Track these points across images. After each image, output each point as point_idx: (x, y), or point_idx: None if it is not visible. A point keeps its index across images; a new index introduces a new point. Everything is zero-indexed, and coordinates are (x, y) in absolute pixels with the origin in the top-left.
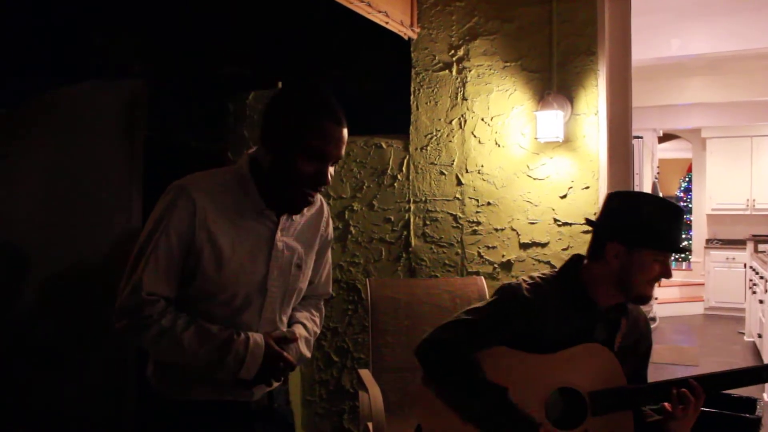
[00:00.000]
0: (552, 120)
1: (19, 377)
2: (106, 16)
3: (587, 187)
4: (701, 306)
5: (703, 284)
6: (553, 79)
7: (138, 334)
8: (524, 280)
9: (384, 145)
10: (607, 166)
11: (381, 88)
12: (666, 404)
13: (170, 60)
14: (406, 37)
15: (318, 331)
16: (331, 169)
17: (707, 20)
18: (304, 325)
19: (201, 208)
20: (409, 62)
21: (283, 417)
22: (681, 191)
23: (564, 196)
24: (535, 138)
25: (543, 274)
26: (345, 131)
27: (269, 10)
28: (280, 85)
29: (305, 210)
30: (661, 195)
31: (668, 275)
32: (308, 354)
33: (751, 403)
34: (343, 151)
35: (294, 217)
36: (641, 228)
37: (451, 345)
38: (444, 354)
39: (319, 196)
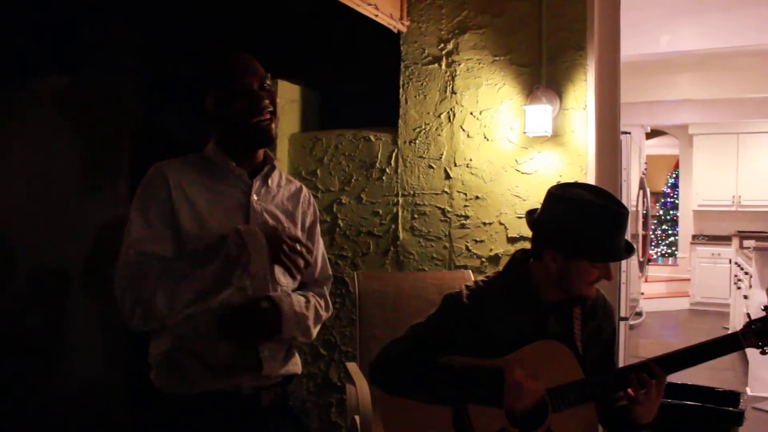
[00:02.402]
0: (541, 114)
1: (10, 371)
2: (97, 10)
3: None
4: (687, 301)
5: (689, 280)
6: (542, 74)
7: (139, 287)
8: (466, 287)
9: (372, 139)
10: (595, 161)
11: (370, 81)
12: (629, 390)
13: (160, 52)
14: (395, 31)
15: (324, 313)
16: (267, 101)
17: (695, 17)
18: (303, 295)
19: (173, 175)
20: (399, 55)
21: (299, 420)
22: (668, 187)
23: None
24: (524, 132)
25: (487, 276)
26: (249, 58)
27: (259, 4)
28: (269, 76)
29: (280, 183)
30: (648, 191)
31: (608, 278)
32: (308, 318)
33: (734, 397)
34: (263, 75)
35: (269, 183)
36: (576, 239)
37: (398, 361)
38: (393, 371)
39: (297, 182)
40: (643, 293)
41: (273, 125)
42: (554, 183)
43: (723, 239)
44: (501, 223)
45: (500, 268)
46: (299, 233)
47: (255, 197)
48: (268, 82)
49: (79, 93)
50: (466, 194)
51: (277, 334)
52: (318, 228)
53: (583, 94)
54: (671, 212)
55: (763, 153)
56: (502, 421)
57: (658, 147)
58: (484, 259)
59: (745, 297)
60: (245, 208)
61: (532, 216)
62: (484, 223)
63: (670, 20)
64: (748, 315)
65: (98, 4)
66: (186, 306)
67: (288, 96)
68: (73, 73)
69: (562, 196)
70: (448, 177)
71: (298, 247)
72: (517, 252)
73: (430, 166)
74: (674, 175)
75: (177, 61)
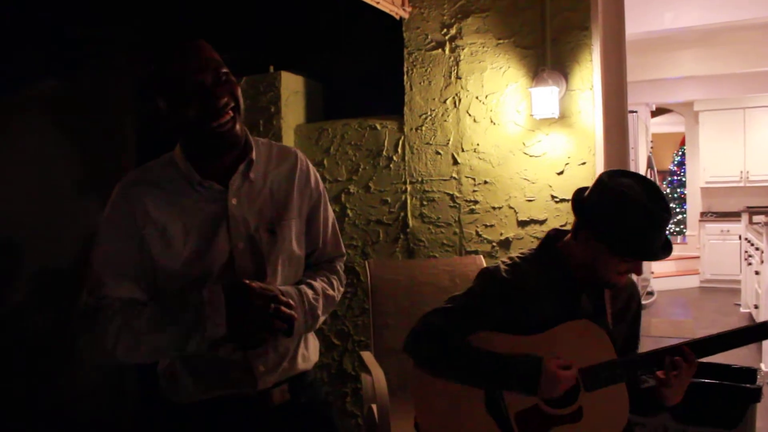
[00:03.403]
0: (547, 96)
1: (20, 375)
2: (92, 6)
3: (584, 163)
4: (697, 279)
5: (698, 257)
6: (547, 55)
7: (101, 334)
8: (503, 262)
9: (378, 127)
10: (604, 142)
11: (374, 69)
12: (659, 372)
13: (159, 48)
14: (397, 17)
15: (335, 294)
16: (226, 98)
17: None
18: (308, 283)
19: (139, 201)
20: (402, 42)
21: (314, 412)
22: (674, 165)
23: (561, 173)
24: (531, 115)
25: (522, 253)
26: (198, 47)
27: None
28: (272, 69)
29: (267, 168)
30: (655, 170)
31: (638, 273)
32: (318, 308)
33: (751, 373)
34: (217, 65)
35: (251, 177)
36: (614, 233)
37: (436, 332)
38: (430, 341)
39: (297, 152)
40: (653, 272)
41: (237, 126)
42: (563, 165)
43: (732, 215)
44: (510, 207)
45: (511, 252)
46: (295, 222)
47: (234, 201)
48: (225, 70)
49: (77, 91)
50: (474, 179)
51: (286, 336)
52: (323, 205)
53: (589, 74)
54: (678, 190)
55: None
56: (535, 399)
57: (664, 125)
58: (494, 244)
59: (757, 273)
60: (225, 218)
61: (579, 195)
62: (494, 208)
63: None
64: None
65: (93, 1)
66: (146, 359)
67: (292, 87)
68: (72, 72)
69: (608, 184)
70: (455, 162)
71: (272, 306)
72: (550, 231)
73: (438, 153)
74: (680, 153)
75: None
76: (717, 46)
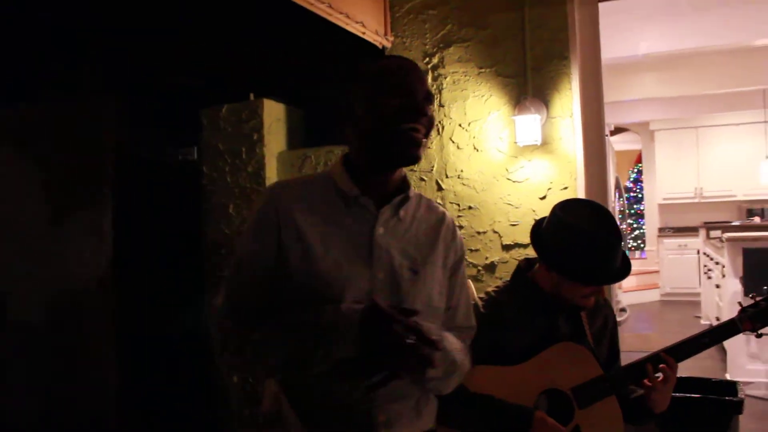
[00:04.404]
0: (530, 124)
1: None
2: (74, 33)
3: (566, 188)
4: (657, 293)
5: (658, 272)
6: (528, 84)
7: (226, 345)
8: (480, 298)
9: None
10: (584, 166)
11: None
12: (645, 381)
13: (139, 75)
14: (380, 46)
15: (465, 363)
16: (425, 119)
17: (659, 23)
18: (449, 335)
19: (286, 204)
20: None
21: None
22: (630, 182)
23: (544, 197)
24: (514, 142)
25: (497, 286)
26: (422, 74)
27: (242, 22)
28: (252, 97)
29: (416, 213)
30: (622, 189)
31: (600, 293)
32: (457, 360)
33: (731, 386)
34: (428, 92)
35: (400, 214)
36: (566, 263)
37: None
38: None
39: (445, 211)
40: (620, 287)
41: (422, 144)
42: (546, 190)
43: (689, 230)
44: (495, 232)
45: (497, 275)
46: (439, 270)
47: (381, 230)
48: (431, 107)
49: (57, 119)
50: (458, 205)
51: (420, 374)
52: (463, 267)
53: (568, 101)
54: (635, 206)
55: (721, 145)
56: None
57: (620, 143)
58: (480, 268)
59: (717, 286)
60: (368, 244)
61: (537, 227)
62: (478, 233)
63: (635, 25)
64: (741, 303)
65: (76, 32)
66: (273, 371)
67: (274, 115)
68: (51, 101)
69: (560, 217)
70: (440, 189)
71: (409, 340)
72: (521, 261)
73: (422, 179)
74: (636, 170)
75: (160, 85)
76: (674, 70)
